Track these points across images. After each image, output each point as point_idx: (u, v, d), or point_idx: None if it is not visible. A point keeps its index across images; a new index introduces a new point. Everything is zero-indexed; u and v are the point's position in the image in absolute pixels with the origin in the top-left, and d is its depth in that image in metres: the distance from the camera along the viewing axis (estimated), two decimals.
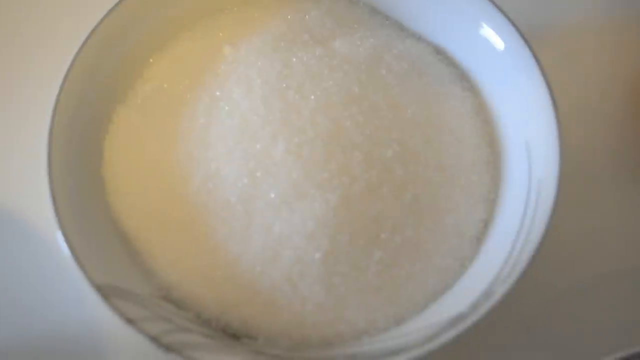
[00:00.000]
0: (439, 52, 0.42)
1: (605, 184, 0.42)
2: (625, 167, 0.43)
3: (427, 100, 0.40)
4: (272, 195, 0.36)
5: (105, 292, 0.32)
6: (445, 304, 0.35)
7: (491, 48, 0.39)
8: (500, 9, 0.38)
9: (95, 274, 0.33)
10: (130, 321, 0.32)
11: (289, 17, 0.42)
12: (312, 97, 0.38)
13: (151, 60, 0.42)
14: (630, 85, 0.45)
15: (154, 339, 0.32)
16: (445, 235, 0.37)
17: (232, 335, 0.36)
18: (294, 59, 0.39)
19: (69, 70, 0.37)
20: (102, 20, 0.38)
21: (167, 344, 0.32)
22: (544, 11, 0.47)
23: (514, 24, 0.37)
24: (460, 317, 0.32)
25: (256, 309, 0.35)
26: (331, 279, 0.35)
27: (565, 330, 0.39)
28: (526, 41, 0.37)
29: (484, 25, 0.39)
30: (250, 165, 0.36)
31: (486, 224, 0.38)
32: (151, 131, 0.40)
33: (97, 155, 0.39)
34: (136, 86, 0.41)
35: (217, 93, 0.39)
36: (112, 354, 0.39)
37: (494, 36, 0.39)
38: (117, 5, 0.38)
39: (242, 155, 0.37)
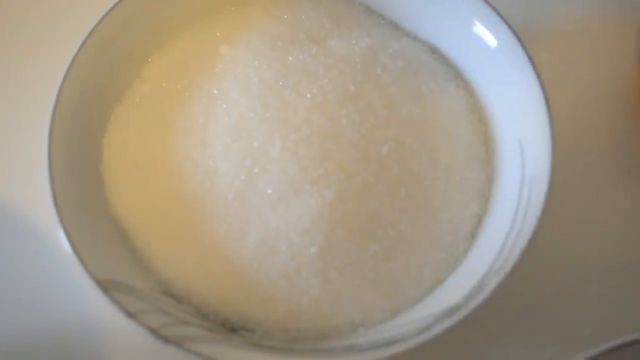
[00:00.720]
0: (434, 51, 0.42)
1: (598, 181, 0.43)
2: (618, 165, 0.43)
3: (422, 98, 0.40)
4: (269, 192, 0.36)
5: (106, 287, 0.33)
6: (440, 296, 0.35)
7: (485, 46, 0.39)
8: (493, 7, 0.38)
9: (96, 269, 0.33)
10: (130, 314, 0.32)
11: (285, 17, 0.42)
12: (309, 95, 0.38)
13: (150, 59, 0.42)
14: (624, 83, 0.45)
15: (154, 332, 0.32)
16: (440, 230, 0.37)
17: (231, 328, 0.36)
18: (291, 58, 0.40)
19: (68, 70, 0.37)
20: (101, 20, 0.38)
21: (166, 336, 0.32)
22: (537, 9, 0.47)
23: (506, 22, 0.37)
24: (454, 309, 0.33)
25: (254, 303, 0.36)
26: (327, 273, 0.35)
27: (557, 322, 0.39)
28: (519, 39, 0.37)
29: (477, 23, 0.39)
30: (247, 163, 0.37)
31: (480, 220, 0.38)
32: (150, 130, 0.40)
33: (97, 154, 0.39)
34: (135, 85, 0.41)
35: (215, 92, 0.39)
36: (112, 354, 0.39)
37: (487, 34, 0.39)
38: (116, 5, 0.39)
39: (240, 152, 0.37)
